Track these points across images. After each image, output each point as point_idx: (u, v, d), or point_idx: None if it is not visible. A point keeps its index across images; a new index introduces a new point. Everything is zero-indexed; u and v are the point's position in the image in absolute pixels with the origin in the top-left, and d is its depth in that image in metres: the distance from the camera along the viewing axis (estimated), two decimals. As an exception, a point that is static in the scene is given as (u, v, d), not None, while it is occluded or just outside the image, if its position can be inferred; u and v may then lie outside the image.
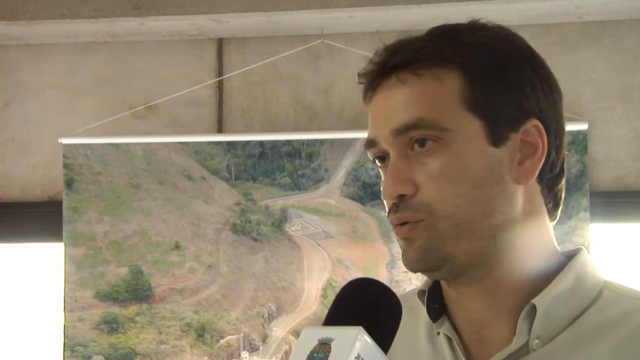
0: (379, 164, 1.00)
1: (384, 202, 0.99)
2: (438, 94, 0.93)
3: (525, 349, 0.94)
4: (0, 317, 3.28)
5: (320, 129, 2.99)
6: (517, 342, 0.94)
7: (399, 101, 0.94)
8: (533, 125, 0.95)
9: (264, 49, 3.04)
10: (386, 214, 0.98)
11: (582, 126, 2.75)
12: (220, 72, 3.08)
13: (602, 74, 2.89)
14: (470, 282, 0.96)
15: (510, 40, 0.98)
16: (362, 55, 2.89)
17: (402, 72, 0.95)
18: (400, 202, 0.94)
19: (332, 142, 2.90)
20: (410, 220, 0.94)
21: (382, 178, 0.99)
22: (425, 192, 0.93)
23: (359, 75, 1.00)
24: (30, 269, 3.29)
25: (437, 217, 0.92)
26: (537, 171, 0.96)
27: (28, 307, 3.32)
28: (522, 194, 0.96)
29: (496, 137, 0.94)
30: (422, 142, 0.93)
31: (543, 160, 0.96)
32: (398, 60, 0.95)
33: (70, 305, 2.95)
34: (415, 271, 0.96)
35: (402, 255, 0.97)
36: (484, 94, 0.94)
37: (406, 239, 0.95)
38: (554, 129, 0.97)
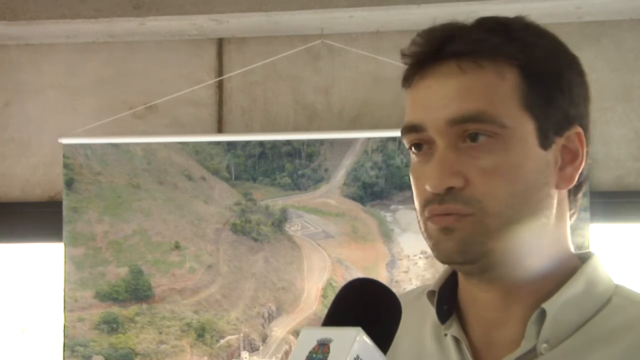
0: (414, 151, 0.96)
1: (417, 191, 0.95)
2: (499, 89, 0.92)
3: (533, 352, 0.93)
4: (0, 317, 3.28)
5: (320, 129, 2.99)
6: (525, 346, 0.94)
7: (458, 90, 0.92)
8: (576, 132, 0.96)
9: (264, 49, 3.04)
10: (422, 204, 0.94)
11: (582, 126, 2.74)
12: (220, 72, 3.08)
13: (602, 74, 2.88)
14: (494, 279, 0.95)
15: (561, 43, 0.99)
16: (362, 55, 2.90)
17: (463, 60, 0.92)
18: (447, 194, 0.91)
19: (332, 142, 2.90)
20: (460, 213, 0.91)
21: (415, 165, 0.96)
22: (477, 186, 0.91)
23: (404, 54, 0.96)
24: (30, 269, 3.29)
25: (487, 214, 0.91)
26: (577, 178, 0.96)
27: (28, 307, 3.32)
28: (557, 199, 0.96)
29: (545, 140, 0.93)
30: (474, 136, 0.91)
31: (582, 167, 0.96)
32: (459, 47, 0.92)
33: (70, 305, 2.95)
34: (449, 262, 0.95)
35: (436, 245, 0.94)
36: (541, 96, 0.93)
37: (447, 228, 0.92)
38: (588, 137, 0.99)
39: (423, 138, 0.94)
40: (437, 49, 0.93)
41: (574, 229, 2.98)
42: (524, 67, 0.93)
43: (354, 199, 2.89)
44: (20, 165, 3.16)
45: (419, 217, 0.96)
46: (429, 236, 0.95)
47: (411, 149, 0.97)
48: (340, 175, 2.89)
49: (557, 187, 0.95)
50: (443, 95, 0.92)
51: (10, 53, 3.18)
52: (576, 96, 0.97)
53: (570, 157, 0.96)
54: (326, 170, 2.90)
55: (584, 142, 0.97)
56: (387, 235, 2.85)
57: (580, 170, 0.96)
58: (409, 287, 2.79)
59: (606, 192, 2.83)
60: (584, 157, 0.97)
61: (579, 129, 0.97)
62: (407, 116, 0.96)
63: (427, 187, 0.92)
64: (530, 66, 0.93)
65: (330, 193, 2.90)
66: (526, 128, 0.93)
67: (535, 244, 0.94)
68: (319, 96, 3.04)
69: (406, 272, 2.83)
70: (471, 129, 0.91)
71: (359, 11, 2.78)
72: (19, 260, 3.28)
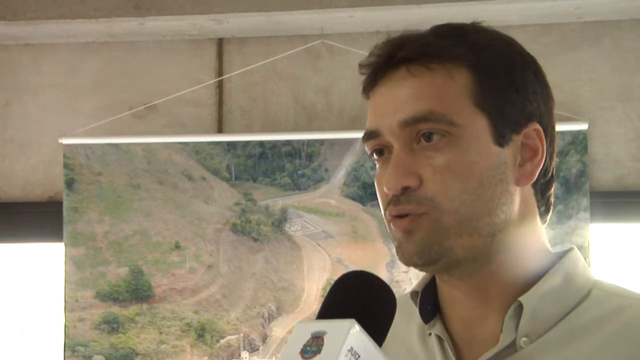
0: (376, 157, 0.99)
1: (379, 195, 0.98)
2: (448, 88, 0.94)
3: (513, 347, 0.94)
4: (0, 317, 3.28)
5: (320, 129, 2.99)
6: (504, 341, 0.94)
7: (408, 93, 0.94)
8: (534, 129, 0.96)
9: (264, 49, 3.04)
10: (384, 208, 0.97)
11: (582, 126, 2.74)
12: (220, 72, 3.08)
13: (602, 74, 2.88)
14: (463, 276, 0.96)
15: (515, 45, 1.00)
16: (362, 55, 2.89)
17: (412, 65, 0.95)
18: (402, 195, 0.93)
19: (332, 142, 2.90)
20: (412, 213, 0.93)
21: (378, 170, 0.98)
22: (430, 185, 0.92)
23: (361, 65, 1.00)
24: (30, 269, 3.29)
25: (441, 211, 0.92)
26: (537, 174, 0.97)
27: (28, 307, 3.32)
28: (519, 195, 0.97)
29: (500, 137, 0.94)
30: (428, 136, 0.93)
31: (542, 164, 0.97)
32: (408, 53, 0.95)
33: (71, 305, 2.95)
34: (411, 264, 0.96)
35: (398, 248, 0.96)
36: (492, 93, 0.95)
37: (406, 231, 0.94)
38: (550, 135, 0.99)
39: (381, 143, 0.97)
40: (388, 57, 0.97)
41: (574, 228, 2.99)
42: (474, 67, 0.94)
43: (354, 199, 2.89)
44: (20, 165, 3.16)
45: (385, 221, 0.98)
46: (393, 239, 0.97)
47: (372, 155, 0.99)
48: (340, 175, 2.89)
49: (518, 183, 0.96)
50: (394, 100, 0.95)
51: (10, 53, 3.18)
52: (532, 94, 0.97)
53: (530, 154, 0.97)
54: (326, 170, 2.91)
55: (543, 138, 0.97)
56: (387, 235, 2.83)
57: (541, 167, 0.97)
58: (408, 287, 2.79)
59: (606, 192, 2.83)
60: (544, 154, 0.97)
61: (537, 126, 0.97)
62: (367, 124, 0.99)
63: (385, 189, 0.95)
64: (481, 66, 0.95)
65: (330, 193, 2.90)
66: (479, 125, 0.94)
67: (498, 239, 0.95)
68: (319, 96, 3.04)
69: (406, 272, 2.83)
70: (423, 129, 0.93)
71: (359, 11, 2.78)
72: (19, 260, 3.28)
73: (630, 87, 2.88)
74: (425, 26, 0.99)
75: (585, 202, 2.71)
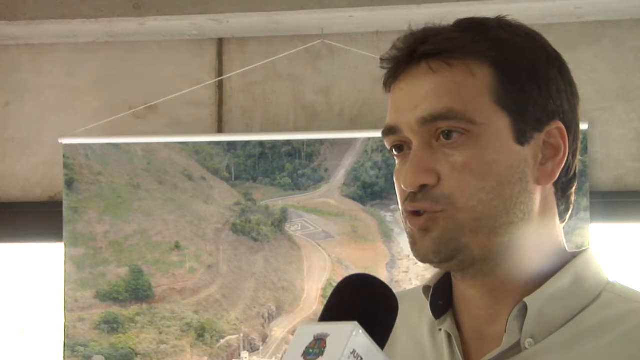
0: (395, 153, 0.98)
1: (398, 190, 0.97)
2: (469, 86, 0.92)
3: (517, 348, 0.93)
4: (0, 317, 3.28)
5: (320, 129, 2.99)
6: (507, 341, 0.93)
7: (428, 90, 0.93)
8: (557, 127, 0.95)
9: (264, 49, 3.04)
10: (401, 203, 0.96)
11: (582, 126, 2.73)
12: (220, 72, 3.08)
13: (602, 74, 2.88)
14: (477, 276, 0.95)
15: (539, 41, 0.99)
16: (362, 55, 2.89)
17: (433, 61, 0.93)
18: (419, 192, 0.92)
19: (332, 142, 2.90)
20: (428, 210, 0.92)
21: (397, 166, 0.97)
22: (447, 183, 0.91)
23: (382, 59, 0.98)
24: (30, 269, 3.29)
25: (457, 209, 0.91)
26: (558, 173, 0.95)
27: (28, 307, 3.32)
28: (540, 194, 0.95)
29: (521, 135, 0.93)
30: (448, 134, 0.92)
31: (564, 162, 0.96)
32: (429, 48, 0.94)
33: (71, 305, 2.95)
34: (427, 262, 0.95)
35: (414, 246, 0.95)
36: (514, 91, 0.93)
37: (422, 229, 0.93)
38: (573, 132, 0.98)
39: (401, 139, 0.96)
40: (409, 52, 0.95)
41: (574, 228, 2.99)
42: (496, 63, 0.93)
43: (354, 199, 2.89)
44: (20, 165, 3.16)
45: (402, 216, 0.97)
46: (408, 235, 0.96)
47: (392, 151, 0.98)
48: (340, 175, 2.89)
49: (538, 182, 0.95)
50: (414, 96, 0.94)
51: (10, 53, 3.18)
52: (555, 91, 0.96)
53: (552, 152, 0.95)
54: (326, 170, 2.91)
55: (566, 137, 0.96)
56: (387, 235, 2.85)
57: (562, 166, 0.96)
58: (409, 287, 2.79)
59: (606, 192, 2.83)
60: (566, 152, 0.96)
61: (560, 124, 0.95)
62: (387, 119, 0.98)
63: (402, 186, 0.94)
64: (503, 62, 0.93)
65: (330, 193, 2.90)
66: (499, 124, 0.93)
67: (516, 239, 0.94)
68: (319, 96, 3.04)
69: (406, 272, 2.83)
70: (442, 127, 0.92)
71: (359, 11, 2.78)
72: (19, 260, 3.28)
73: (630, 87, 2.88)
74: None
75: (585, 202, 2.71)
